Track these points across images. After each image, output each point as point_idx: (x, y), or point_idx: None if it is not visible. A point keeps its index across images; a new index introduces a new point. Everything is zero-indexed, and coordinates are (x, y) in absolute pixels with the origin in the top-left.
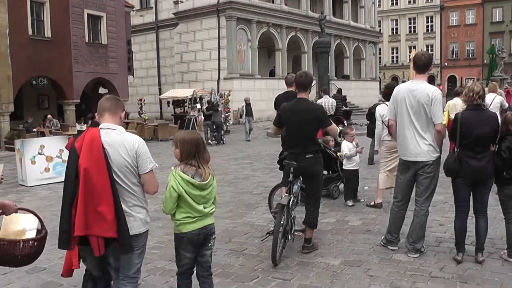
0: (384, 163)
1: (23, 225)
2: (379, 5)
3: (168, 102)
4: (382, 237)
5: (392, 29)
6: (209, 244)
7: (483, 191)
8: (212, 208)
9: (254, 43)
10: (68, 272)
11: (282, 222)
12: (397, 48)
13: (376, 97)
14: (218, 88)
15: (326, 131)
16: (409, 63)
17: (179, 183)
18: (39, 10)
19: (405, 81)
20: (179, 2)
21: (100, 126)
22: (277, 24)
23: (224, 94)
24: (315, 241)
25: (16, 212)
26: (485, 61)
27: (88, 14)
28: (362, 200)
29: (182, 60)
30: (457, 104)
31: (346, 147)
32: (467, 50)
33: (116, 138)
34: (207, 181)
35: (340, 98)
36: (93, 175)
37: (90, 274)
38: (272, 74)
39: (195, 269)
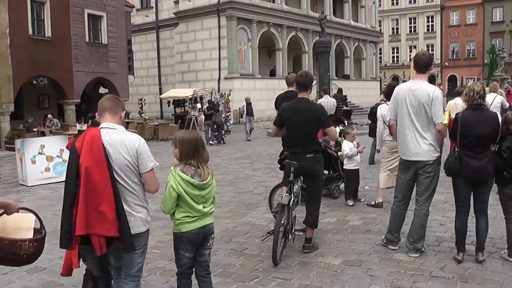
0: (385, 163)
1: (25, 225)
2: (380, 5)
3: (169, 102)
4: (383, 237)
5: (393, 28)
6: (208, 244)
7: (484, 191)
8: (212, 208)
9: (254, 43)
10: (67, 271)
11: (282, 222)
12: (397, 48)
13: (377, 97)
14: (218, 87)
15: (325, 132)
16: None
17: (179, 183)
18: (39, 9)
19: (405, 81)
20: (179, 2)
21: (101, 126)
22: (278, 24)
23: (225, 94)
24: (316, 240)
25: (17, 211)
26: (485, 61)
27: (88, 14)
28: (363, 199)
29: (182, 60)
30: (458, 104)
31: (347, 146)
32: (468, 50)
33: (117, 138)
34: (207, 180)
35: (340, 97)
36: (94, 174)
37: (90, 273)
38: (272, 74)
39: (194, 268)
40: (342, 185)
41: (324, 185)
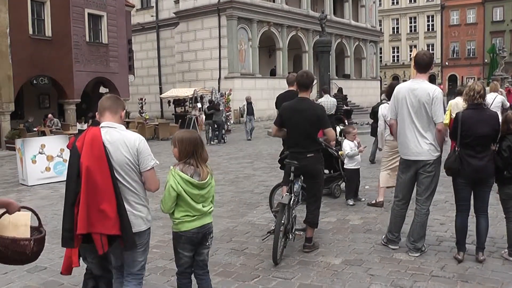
0: (385, 162)
1: (22, 223)
2: (380, 4)
3: (169, 102)
4: (383, 236)
5: (393, 28)
6: (207, 243)
7: (484, 190)
8: (211, 207)
9: (255, 43)
10: (67, 270)
11: (283, 221)
12: (398, 47)
13: (377, 96)
14: (218, 87)
15: (324, 132)
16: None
17: (178, 182)
18: (39, 9)
19: (406, 80)
20: (179, 1)
21: (101, 125)
22: (278, 23)
23: (225, 94)
24: (316, 240)
25: (19, 210)
26: (485, 60)
27: (88, 14)
28: (363, 199)
29: (182, 60)
30: (459, 104)
31: (348, 146)
32: (468, 49)
33: (117, 136)
34: (206, 180)
35: (341, 97)
36: (94, 173)
37: (90, 273)
38: (273, 73)
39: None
40: (343, 185)
41: (325, 184)
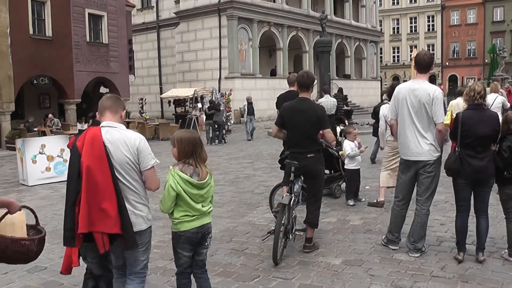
0: (386, 162)
1: (18, 221)
2: (380, 5)
3: (169, 102)
4: (383, 237)
5: (393, 28)
6: (206, 244)
7: (484, 191)
8: (210, 207)
9: (255, 43)
10: (67, 269)
11: (283, 222)
12: (398, 48)
13: (377, 96)
14: (219, 87)
15: (323, 133)
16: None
17: (178, 182)
18: (40, 9)
19: (406, 81)
20: (180, 1)
21: (101, 124)
22: (278, 23)
23: (225, 94)
24: (316, 240)
25: (20, 209)
26: (486, 61)
27: (89, 13)
28: (363, 199)
29: (183, 60)
30: (460, 104)
31: (349, 146)
32: (468, 49)
33: (117, 136)
34: (205, 180)
35: (341, 97)
36: (95, 172)
37: (91, 272)
38: (273, 73)
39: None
40: (343, 185)
41: (325, 184)
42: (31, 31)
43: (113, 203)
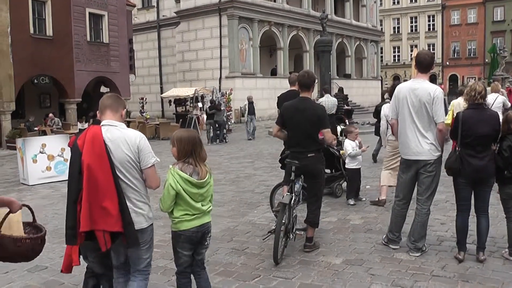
0: (387, 162)
1: (18, 220)
2: (381, 4)
3: (170, 101)
4: (384, 236)
5: (394, 28)
6: (206, 243)
7: (485, 190)
8: (210, 206)
9: (255, 42)
10: (68, 268)
11: (283, 221)
12: (398, 47)
13: (378, 96)
14: (219, 87)
15: (322, 132)
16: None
17: (177, 181)
18: (40, 8)
19: (407, 80)
20: (180, 1)
21: (102, 123)
22: (279, 23)
23: (226, 93)
24: (317, 240)
25: (21, 208)
26: (486, 60)
27: (89, 13)
28: (364, 199)
29: (183, 59)
30: (461, 104)
31: (350, 145)
32: (469, 49)
33: (118, 134)
34: (205, 179)
35: (341, 97)
36: (96, 171)
37: (91, 272)
38: (273, 73)
39: None
40: (344, 184)
41: (326, 184)
42: (31, 31)
43: (114, 202)
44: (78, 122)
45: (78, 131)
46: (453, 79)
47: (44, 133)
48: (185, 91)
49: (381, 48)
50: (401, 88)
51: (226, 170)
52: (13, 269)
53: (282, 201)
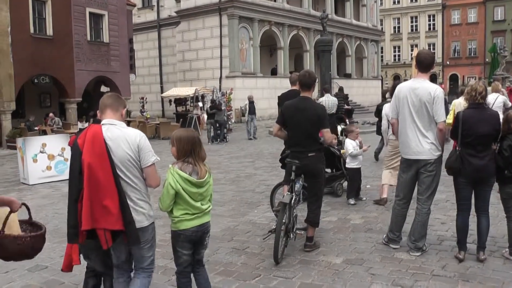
0: (388, 161)
1: (15, 219)
2: (381, 4)
3: (170, 101)
4: (384, 236)
5: (394, 27)
6: (205, 243)
7: (485, 190)
8: (209, 206)
9: (256, 42)
10: (68, 267)
11: (284, 221)
12: (399, 47)
13: (378, 95)
14: (220, 86)
15: (322, 132)
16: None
17: (177, 181)
18: (41, 8)
19: (407, 80)
20: (181, 0)
21: (102, 122)
22: (279, 22)
23: (226, 93)
24: (317, 239)
25: (20, 207)
26: (487, 60)
27: (90, 13)
28: (364, 198)
29: (184, 59)
30: (463, 103)
31: (351, 145)
32: (469, 48)
33: (118, 133)
34: (204, 178)
35: (342, 96)
36: (96, 169)
37: (91, 271)
38: (274, 72)
39: None
40: (345, 183)
41: (327, 183)
42: (32, 30)
43: (114, 200)
44: (79, 122)
45: (78, 130)
46: (454, 78)
47: (44, 132)
48: (186, 91)
49: (382, 48)
50: (402, 87)
51: (227, 170)
52: (14, 268)
53: (283, 201)
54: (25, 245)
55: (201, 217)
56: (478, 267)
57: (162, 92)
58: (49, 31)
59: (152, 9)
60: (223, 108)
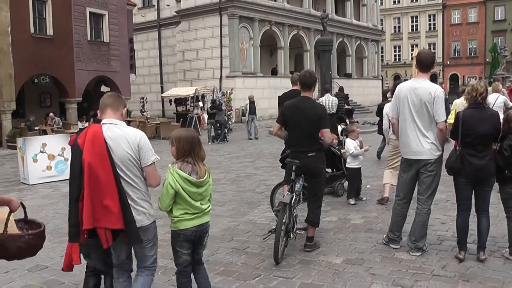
0: (388, 161)
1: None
2: (382, 3)
3: (170, 101)
4: (384, 236)
5: (394, 27)
6: (204, 243)
7: (485, 190)
8: (209, 206)
9: (256, 41)
10: (68, 266)
11: (284, 221)
12: (399, 47)
13: (378, 95)
14: (220, 86)
15: (321, 132)
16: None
17: (177, 180)
18: (41, 8)
19: (407, 79)
20: (181, 0)
21: (102, 122)
22: (280, 22)
23: (226, 93)
24: (317, 239)
25: (19, 206)
26: (487, 60)
27: (90, 12)
28: (365, 198)
29: (184, 59)
30: (464, 103)
31: (351, 145)
32: (469, 48)
33: (118, 132)
34: (204, 178)
35: (342, 96)
36: (97, 169)
37: (91, 271)
38: (274, 72)
39: None
40: (346, 183)
41: (328, 183)
42: (32, 30)
43: (115, 199)
44: (79, 122)
45: (78, 130)
46: (454, 78)
47: (44, 132)
48: (186, 91)
49: (382, 48)
50: (402, 87)
51: (227, 170)
52: (14, 268)
53: (283, 201)
54: (25, 244)
55: (201, 217)
56: (478, 267)
57: (162, 92)
58: (49, 30)
59: (154, 7)
60: (223, 108)
